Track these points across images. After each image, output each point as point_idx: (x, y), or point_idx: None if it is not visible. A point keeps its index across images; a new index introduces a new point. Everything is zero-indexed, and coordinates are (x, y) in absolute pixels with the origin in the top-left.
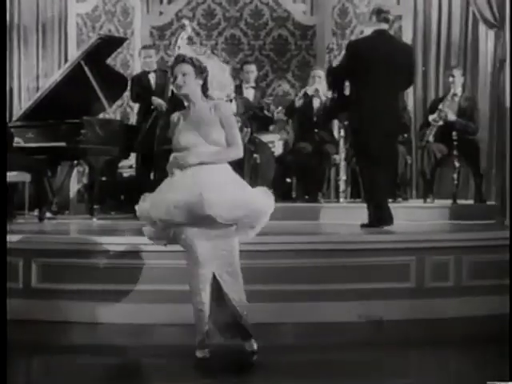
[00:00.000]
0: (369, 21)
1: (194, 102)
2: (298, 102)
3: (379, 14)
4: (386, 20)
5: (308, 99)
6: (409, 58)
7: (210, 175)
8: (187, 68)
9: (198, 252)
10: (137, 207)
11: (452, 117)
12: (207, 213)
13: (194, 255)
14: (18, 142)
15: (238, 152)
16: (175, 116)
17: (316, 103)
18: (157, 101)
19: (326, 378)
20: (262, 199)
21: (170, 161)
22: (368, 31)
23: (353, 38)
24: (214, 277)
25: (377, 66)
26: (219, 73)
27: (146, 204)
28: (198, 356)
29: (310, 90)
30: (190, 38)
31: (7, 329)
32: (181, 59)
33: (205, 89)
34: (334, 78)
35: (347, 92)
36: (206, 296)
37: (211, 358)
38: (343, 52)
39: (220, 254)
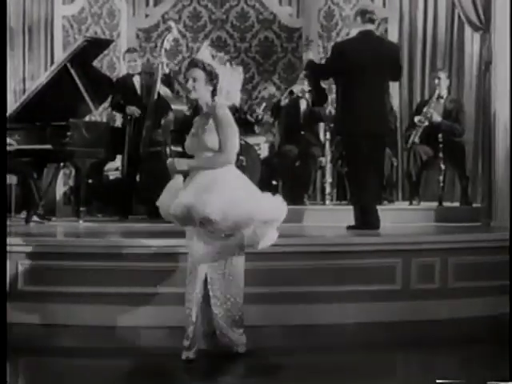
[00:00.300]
0: (354, 22)
1: (203, 108)
2: (284, 101)
3: (364, 15)
4: (372, 21)
5: (294, 100)
6: (396, 57)
7: (213, 179)
8: (198, 73)
9: (193, 251)
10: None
11: (437, 118)
12: (204, 214)
13: (192, 256)
14: (11, 143)
15: (227, 158)
16: (194, 121)
17: (303, 105)
18: (130, 109)
19: (313, 381)
20: (269, 207)
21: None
22: (354, 32)
23: (339, 40)
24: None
25: (363, 67)
26: (230, 82)
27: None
28: (182, 358)
29: (295, 89)
30: (176, 41)
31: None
32: (193, 64)
33: (214, 95)
34: (313, 73)
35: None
36: (196, 298)
37: (197, 360)
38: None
39: (213, 256)
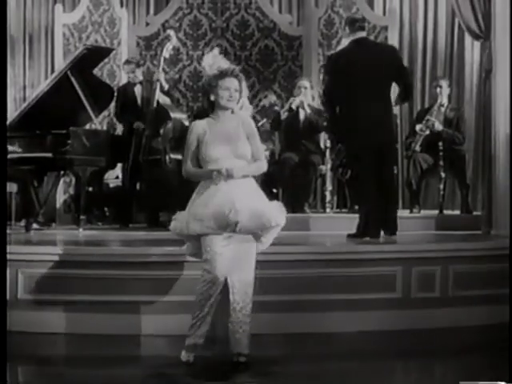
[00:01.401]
0: (344, 32)
1: (225, 115)
2: (284, 115)
3: (353, 23)
4: (362, 28)
5: (294, 111)
6: (396, 58)
7: (236, 185)
8: (237, 84)
9: (216, 256)
10: (171, 225)
11: (439, 127)
12: (235, 220)
13: (211, 259)
14: (12, 150)
15: (265, 166)
16: (200, 126)
17: (302, 115)
18: (136, 123)
19: None
20: (276, 213)
21: (211, 173)
22: (346, 42)
23: (339, 48)
24: (225, 284)
25: (358, 75)
26: (245, 94)
27: (178, 220)
28: (182, 359)
29: (294, 104)
30: (176, 49)
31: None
32: (235, 73)
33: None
34: (327, 99)
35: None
36: (214, 302)
37: (198, 368)
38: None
39: (236, 260)
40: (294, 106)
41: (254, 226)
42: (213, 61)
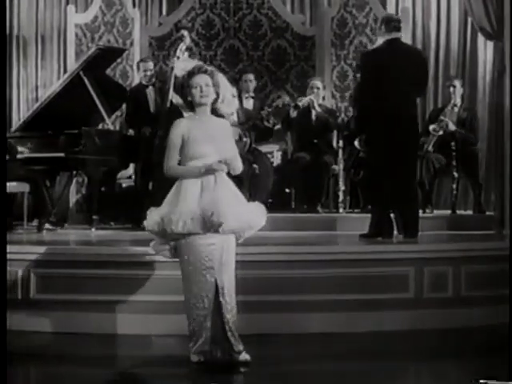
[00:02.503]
0: (379, 31)
1: (206, 114)
2: (293, 114)
3: (388, 23)
4: (397, 28)
5: (305, 110)
6: (423, 65)
7: (220, 186)
8: (208, 79)
9: (205, 258)
10: (145, 221)
11: (452, 127)
12: (220, 221)
13: (201, 261)
14: (22, 151)
15: (241, 166)
16: (183, 124)
17: (313, 115)
18: (144, 128)
19: None
20: (259, 214)
21: (198, 170)
22: (380, 41)
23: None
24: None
25: (389, 75)
26: (228, 89)
27: (156, 217)
28: (193, 360)
29: (302, 102)
30: (189, 49)
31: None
32: (203, 70)
33: (214, 102)
34: (360, 97)
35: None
36: (209, 302)
37: (205, 363)
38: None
39: (223, 261)
40: (300, 104)
41: (238, 227)
42: (184, 65)
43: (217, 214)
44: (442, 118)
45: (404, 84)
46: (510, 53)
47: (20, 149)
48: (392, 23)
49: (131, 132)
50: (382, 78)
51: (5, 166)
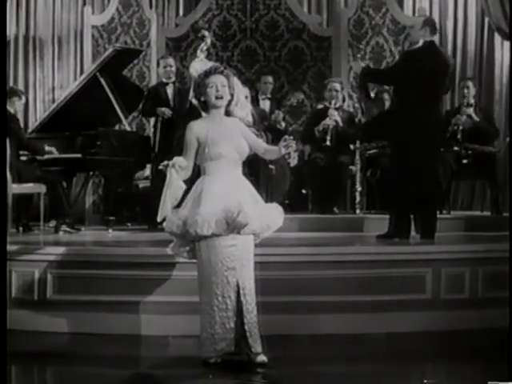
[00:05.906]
0: (421, 31)
1: (221, 115)
2: (318, 135)
3: (433, 25)
4: (436, 32)
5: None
6: (452, 70)
7: (241, 186)
8: (224, 80)
9: (226, 259)
10: (164, 223)
11: (475, 117)
12: (247, 221)
13: (222, 262)
14: (49, 151)
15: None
16: (199, 126)
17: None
18: (160, 110)
19: None
20: (278, 215)
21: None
22: (420, 42)
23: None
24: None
25: (427, 77)
26: (241, 92)
27: (176, 219)
28: (210, 362)
29: (323, 126)
30: (208, 50)
31: (17, 339)
32: (219, 70)
33: (229, 104)
34: (372, 79)
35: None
36: (231, 304)
37: (222, 364)
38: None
39: (244, 262)
40: (321, 128)
41: (259, 227)
42: (199, 66)
43: (243, 214)
44: (458, 116)
45: (435, 87)
46: None
47: (47, 149)
48: (434, 25)
49: (149, 132)
50: (421, 79)
51: (5, 166)
